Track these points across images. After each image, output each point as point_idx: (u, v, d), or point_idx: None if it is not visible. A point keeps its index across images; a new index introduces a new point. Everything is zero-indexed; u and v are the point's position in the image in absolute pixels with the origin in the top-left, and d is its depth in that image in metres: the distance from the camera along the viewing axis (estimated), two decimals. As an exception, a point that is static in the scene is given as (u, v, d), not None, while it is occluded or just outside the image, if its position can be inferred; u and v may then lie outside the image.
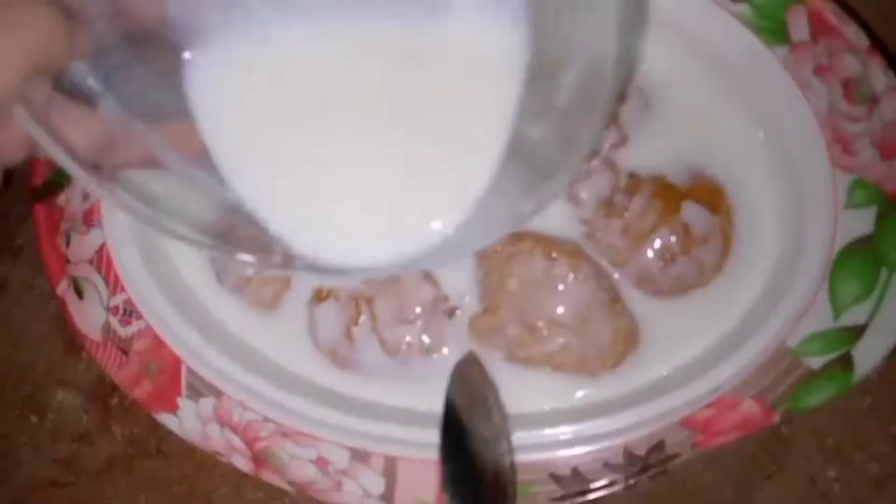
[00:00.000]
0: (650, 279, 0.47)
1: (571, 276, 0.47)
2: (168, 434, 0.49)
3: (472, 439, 0.44)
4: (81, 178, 0.31)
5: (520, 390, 0.48)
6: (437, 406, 0.46)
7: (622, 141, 0.49)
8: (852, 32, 0.46)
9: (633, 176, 0.48)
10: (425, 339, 0.48)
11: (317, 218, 0.35)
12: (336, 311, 0.48)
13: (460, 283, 0.49)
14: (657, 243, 0.47)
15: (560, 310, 0.47)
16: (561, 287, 0.47)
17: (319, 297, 0.49)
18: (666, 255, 0.47)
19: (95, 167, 0.32)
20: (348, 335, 0.48)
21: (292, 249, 0.34)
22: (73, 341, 0.55)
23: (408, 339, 0.48)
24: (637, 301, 0.48)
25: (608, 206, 0.48)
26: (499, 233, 0.39)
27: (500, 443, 0.45)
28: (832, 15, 0.46)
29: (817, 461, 0.50)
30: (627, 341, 0.47)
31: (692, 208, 0.47)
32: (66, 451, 0.55)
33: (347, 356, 0.48)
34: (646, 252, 0.47)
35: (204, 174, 0.34)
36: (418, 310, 0.48)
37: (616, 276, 0.48)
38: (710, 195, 0.48)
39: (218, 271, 0.51)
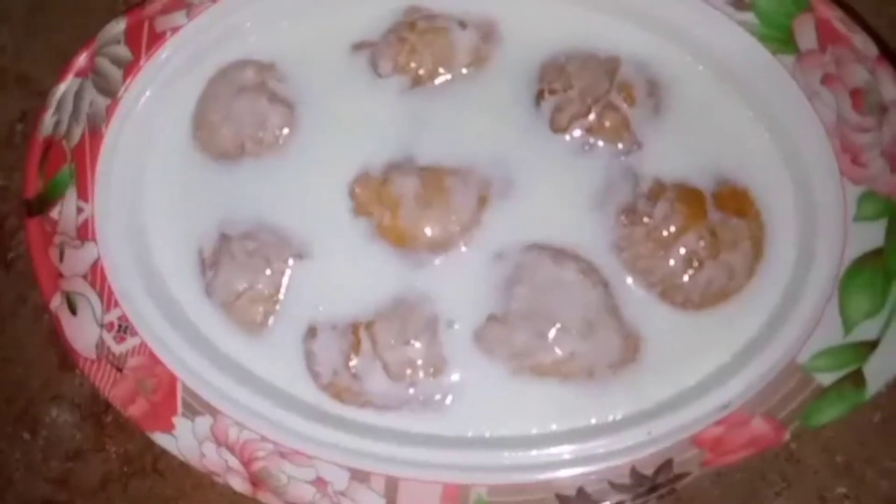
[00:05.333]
0: (678, 288, 0.46)
1: (581, 279, 0.46)
2: (164, 452, 0.48)
3: None
4: None
5: (526, 407, 0.47)
6: (443, 428, 0.46)
7: (637, 145, 0.48)
8: (861, 41, 0.45)
9: (655, 182, 0.47)
10: (428, 358, 0.47)
11: None
12: (334, 341, 0.48)
13: (459, 296, 0.48)
14: (683, 249, 0.46)
15: (568, 314, 0.46)
16: (570, 291, 0.46)
17: (314, 330, 0.48)
18: (693, 261, 0.46)
19: None
20: (349, 364, 0.47)
21: None
22: (67, 356, 0.54)
23: (415, 360, 0.47)
24: (649, 315, 0.47)
25: (631, 212, 0.47)
26: None
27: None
28: (840, 23, 0.45)
29: (827, 477, 0.49)
30: (635, 348, 0.47)
31: (718, 212, 0.46)
32: (60, 469, 0.54)
33: (350, 387, 0.47)
34: (672, 258, 0.46)
35: None
36: (420, 327, 0.47)
37: (632, 283, 0.47)
38: (737, 199, 0.47)
39: (207, 283, 0.50)
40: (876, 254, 0.44)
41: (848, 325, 0.44)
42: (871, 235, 0.44)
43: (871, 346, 0.43)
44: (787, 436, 0.44)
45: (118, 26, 0.50)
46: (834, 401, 0.43)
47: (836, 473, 0.49)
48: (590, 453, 0.45)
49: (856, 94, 0.45)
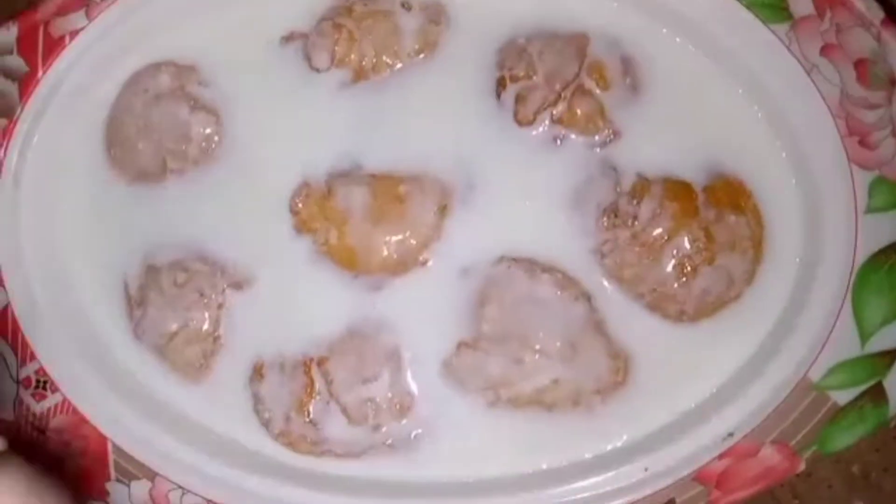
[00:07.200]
0: (670, 298, 0.43)
1: (559, 294, 0.43)
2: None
3: None
4: None
5: (505, 444, 0.44)
6: (414, 474, 0.43)
7: (614, 135, 0.44)
8: (863, 3, 0.41)
9: (639, 177, 0.43)
10: (393, 396, 0.43)
11: None
12: (283, 382, 0.44)
13: (423, 322, 0.44)
14: (674, 252, 0.42)
15: (547, 335, 0.43)
16: (547, 308, 0.43)
17: (260, 371, 0.44)
18: (686, 267, 0.42)
19: None
20: (302, 408, 0.43)
21: None
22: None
23: (377, 399, 0.43)
24: (638, 330, 0.43)
25: (613, 213, 0.43)
26: None
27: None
28: (839, -18, 0.42)
29: (842, 491, 0.46)
30: (624, 369, 0.43)
31: (711, 208, 0.43)
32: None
33: (305, 434, 0.44)
34: (662, 264, 0.43)
35: None
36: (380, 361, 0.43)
37: (617, 294, 0.44)
38: (731, 192, 0.43)
39: (135, 324, 0.46)
40: (892, 249, 0.41)
41: (864, 334, 0.41)
42: (886, 229, 0.41)
43: (892, 356, 0.40)
44: (801, 465, 0.40)
45: (8, 34, 0.45)
46: (853, 421, 0.41)
47: (853, 486, 0.46)
48: (580, 496, 0.42)
49: (860, 65, 0.42)
